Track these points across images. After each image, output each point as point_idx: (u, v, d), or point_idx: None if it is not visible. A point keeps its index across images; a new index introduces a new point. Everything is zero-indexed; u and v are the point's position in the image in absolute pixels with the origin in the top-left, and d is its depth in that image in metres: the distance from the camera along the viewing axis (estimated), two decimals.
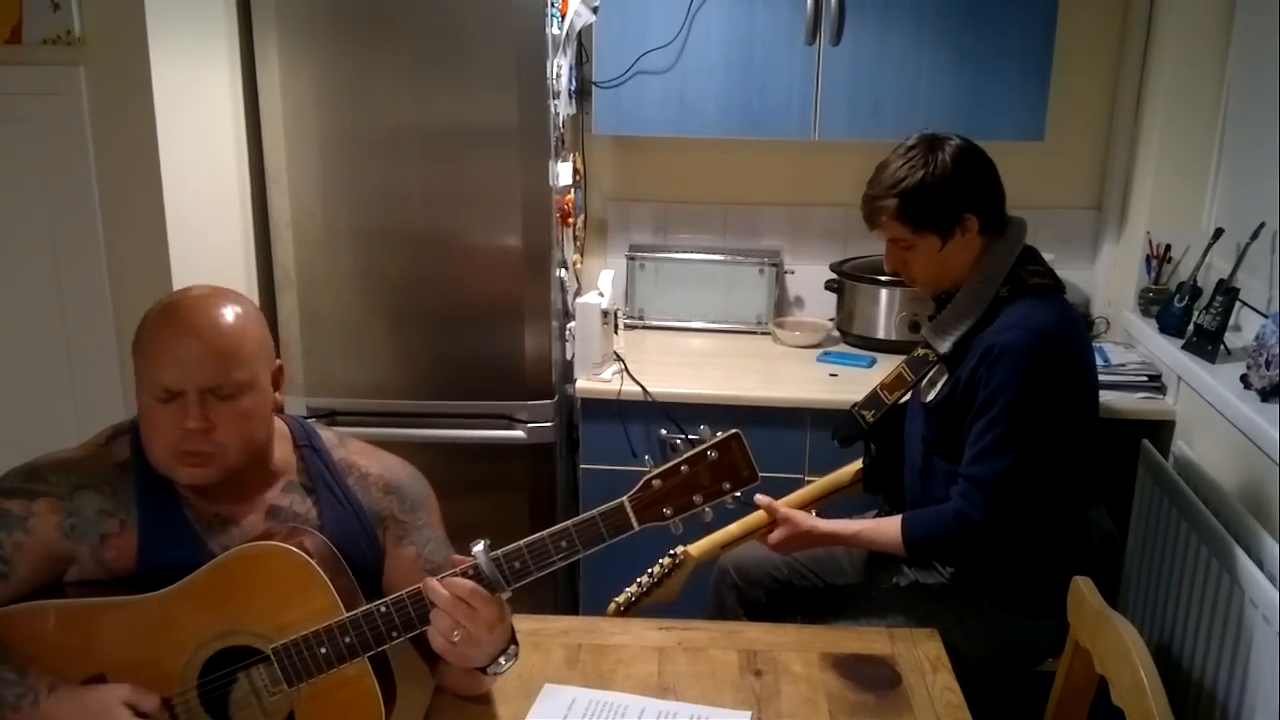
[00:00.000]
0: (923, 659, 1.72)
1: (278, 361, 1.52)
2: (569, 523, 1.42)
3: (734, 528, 2.12)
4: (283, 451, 1.56)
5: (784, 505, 2.09)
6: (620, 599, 2.09)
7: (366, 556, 1.56)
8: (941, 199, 1.95)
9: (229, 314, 1.44)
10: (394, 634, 1.42)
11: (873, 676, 1.67)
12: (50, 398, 2.31)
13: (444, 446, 2.64)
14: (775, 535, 2.05)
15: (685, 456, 1.40)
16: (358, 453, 1.62)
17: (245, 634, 1.43)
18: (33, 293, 2.28)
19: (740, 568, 2.23)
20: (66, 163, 2.21)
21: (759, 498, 2.07)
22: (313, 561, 1.42)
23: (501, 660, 1.48)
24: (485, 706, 1.59)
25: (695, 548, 2.10)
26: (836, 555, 2.23)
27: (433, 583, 1.40)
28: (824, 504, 2.25)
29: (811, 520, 2.06)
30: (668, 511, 1.40)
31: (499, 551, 1.42)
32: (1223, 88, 2.65)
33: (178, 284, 2.26)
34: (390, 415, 2.68)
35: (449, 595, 1.39)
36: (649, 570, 2.10)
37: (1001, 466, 1.90)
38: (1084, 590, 1.68)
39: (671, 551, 2.09)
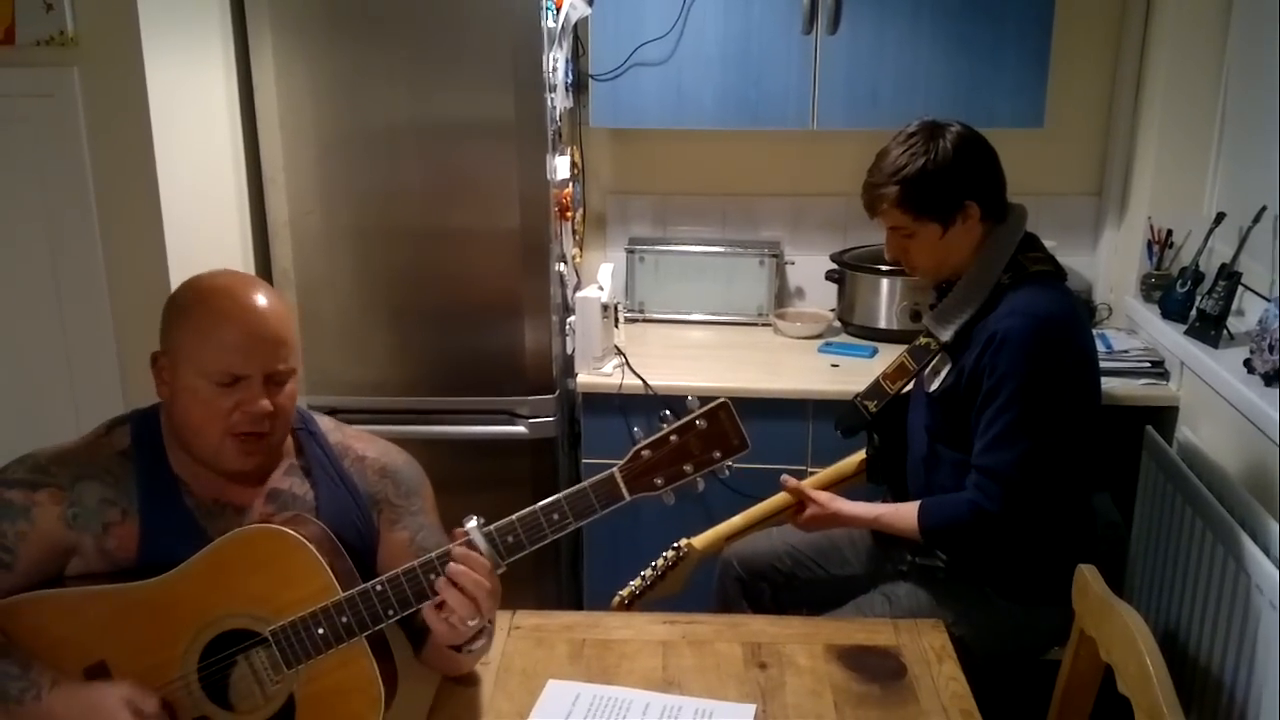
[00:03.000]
0: (928, 649, 1.72)
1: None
2: (560, 495, 1.42)
3: (737, 520, 2.12)
4: None
5: (812, 483, 2.15)
6: (624, 592, 2.09)
7: (362, 538, 1.57)
8: (943, 186, 1.94)
9: (279, 301, 1.49)
10: (390, 612, 1.42)
11: (878, 667, 1.67)
12: (49, 399, 2.31)
13: (445, 443, 2.64)
14: (806, 514, 2.07)
15: (674, 426, 1.40)
16: (354, 437, 1.64)
17: (244, 617, 1.43)
18: (30, 294, 2.27)
19: (744, 560, 2.23)
20: (62, 164, 2.20)
21: (786, 480, 2.08)
22: (308, 543, 1.42)
23: (478, 641, 1.49)
24: (489, 702, 1.59)
25: (699, 540, 2.10)
26: (840, 546, 2.23)
27: (459, 568, 1.39)
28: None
29: (838, 502, 2.08)
30: (659, 481, 1.40)
31: (492, 526, 1.42)
32: (1222, 71, 2.64)
33: (176, 284, 2.25)
34: (391, 412, 2.68)
35: (476, 577, 1.39)
36: (652, 564, 2.10)
37: (1013, 456, 1.90)
38: (1089, 578, 1.67)
39: (675, 544, 2.09)
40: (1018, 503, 1.91)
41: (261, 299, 1.47)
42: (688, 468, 1.40)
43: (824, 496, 2.08)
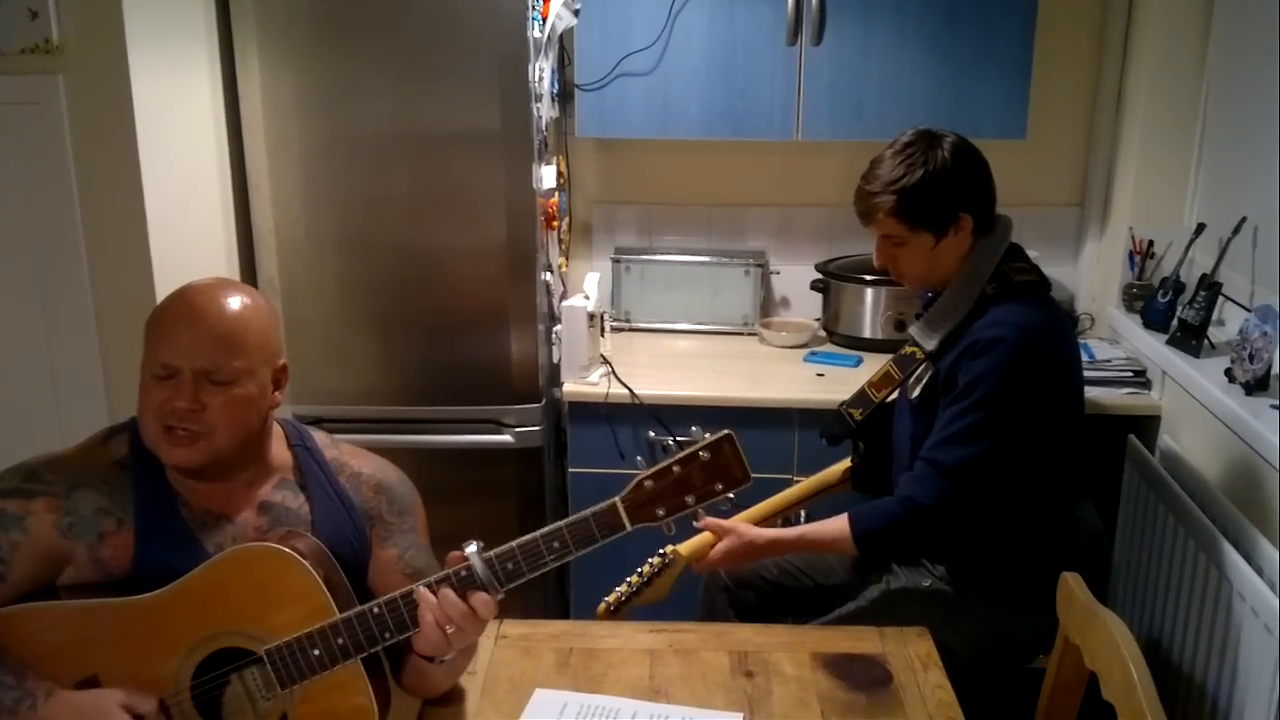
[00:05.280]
0: (913, 657, 1.72)
1: (281, 361, 1.54)
2: (561, 523, 1.42)
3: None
4: (278, 450, 1.57)
5: (745, 516, 2.12)
6: (610, 599, 2.08)
7: (357, 554, 1.57)
8: (940, 197, 1.95)
9: (237, 303, 1.47)
10: (386, 635, 1.42)
11: (864, 676, 1.67)
12: (33, 408, 2.30)
13: (432, 452, 2.63)
14: (718, 549, 2.03)
15: (677, 457, 1.40)
16: (349, 454, 1.64)
17: (238, 635, 1.43)
18: (14, 303, 2.26)
19: (730, 568, 2.23)
20: (46, 172, 2.19)
21: (704, 520, 2.02)
22: (306, 562, 1.41)
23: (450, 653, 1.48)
24: (477, 712, 1.59)
25: (684, 547, 2.10)
26: (826, 555, 2.23)
27: (450, 597, 1.40)
28: (813, 503, 2.26)
29: (752, 531, 2.04)
30: (660, 512, 1.40)
31: (492, 552, 1.42)
32: (1202, 84, 2.67)
33: (161, 293, 2.25)
34: (377, 421, 2.67)
35: (466, 608, 1.39)
36: (638, 570, 2.10)
37: (965, 455, 1.90)
38: (1073, 586, 1.68)
39: (660, 551, 2.09)
40: (954, 502, 1.91)
41: (218, 300, 1.46)
42: (689, 499, 1.40)
43: (741, 526, 2.04)
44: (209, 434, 1.43)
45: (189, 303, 1.46)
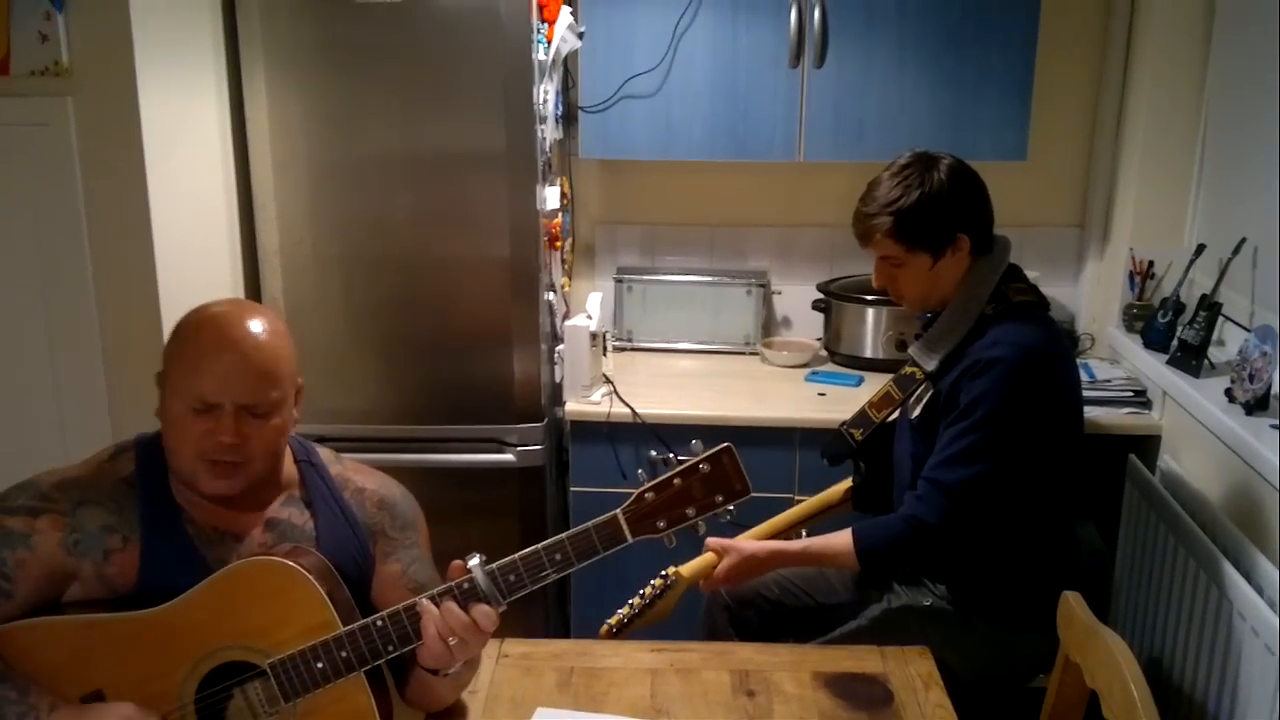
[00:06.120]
0: (915, 676, 1.72)
1: (300, 380, 1.55)
2: (563, 535, 1.43)
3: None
4: (286, 467, 1.59)
5: (747, 536, 2.12)
6: (612, 621, 2.09)
7: (360, 569, 1.58)
8: (936, 218, 1.97)
9: (270, 333, 1.47)
10: (390, 648, 1.42)
11: (865, 695, 1.67)
12: (38, 428, 2.31)
13: (434, 471, 2.64)
14: (720, 567, 2.03)
15: (678, 470, 1.42)
16: (354, 470, 1.65)
17: (242, 649, 1.43)
18: (21, 323, 2.28)
19: (731, 588, 2.23)
20: (55, 192, 2.21)
21: (706, 541, 2.04)
22: (310, 576, 1.42)
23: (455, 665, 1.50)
24: None
25: (686, 568, 2.10)
26: (828, 574, 2.24)
27: (453, 609, 1.41)
28: (814, 524, 2.26)
29: (754, 545, 2.05)
30: (661, 524, 1.42)
31: (494, 565, 1.43)
32: (1202, 105, 2.69)
33: (166, 313, 2.27)
34: (380, 441, 2.68)
35: (468, 620, 1.41)
36: (640, 592, 2.10)
37: (967, 474, 1.91)
38: (1073, 605, 1.69)
39: (663, 572, 2.10)
40: (957, 521, 1.92)
41: (252, 332, 1.46)
42: (690, 511, 1.42)
43: (742, 543, 2.05)
44: (249, 463, 1.46)
45: (223, 335, 1.45)
